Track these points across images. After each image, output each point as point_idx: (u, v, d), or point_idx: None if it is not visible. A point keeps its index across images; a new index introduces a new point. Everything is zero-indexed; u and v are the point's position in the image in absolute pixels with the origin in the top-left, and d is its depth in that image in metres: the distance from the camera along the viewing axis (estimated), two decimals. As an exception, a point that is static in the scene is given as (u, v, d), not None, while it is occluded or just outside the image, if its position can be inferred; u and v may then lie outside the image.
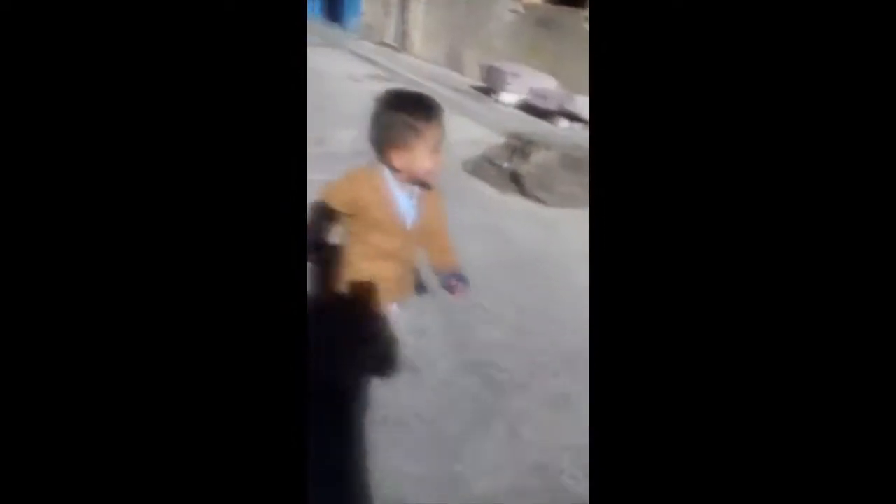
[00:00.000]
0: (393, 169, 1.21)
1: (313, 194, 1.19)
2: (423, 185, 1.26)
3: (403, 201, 1.25)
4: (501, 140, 3.73)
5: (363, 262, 1.29)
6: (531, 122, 4.71)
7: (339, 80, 5.96)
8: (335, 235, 1.32)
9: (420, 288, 1.51)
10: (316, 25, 11.16)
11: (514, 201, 3.09)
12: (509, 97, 5.26)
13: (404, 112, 1.17)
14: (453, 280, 1.36)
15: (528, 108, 5.04)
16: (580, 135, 4.18)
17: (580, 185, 3.00)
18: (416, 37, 8.78)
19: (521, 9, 6.33)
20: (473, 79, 6.40)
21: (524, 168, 3.17)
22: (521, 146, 3.36)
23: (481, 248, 2.34)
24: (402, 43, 9.09)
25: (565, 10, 5.74)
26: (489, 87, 5.60)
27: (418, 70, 6.93)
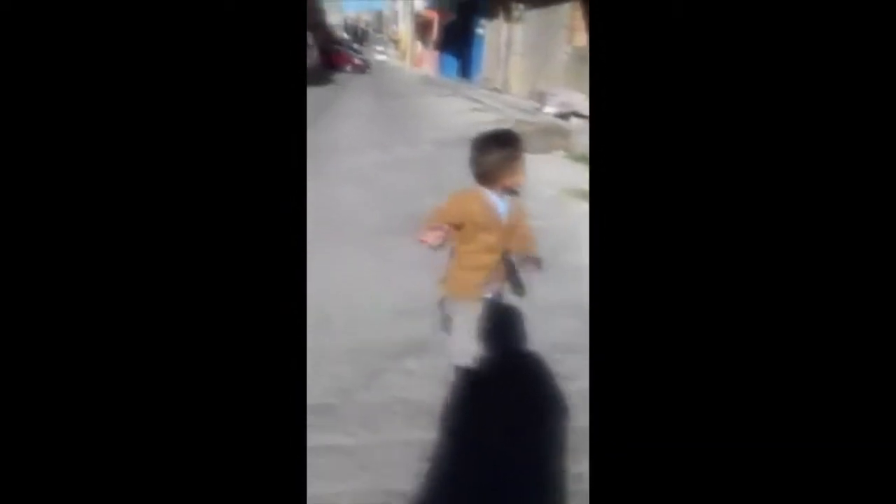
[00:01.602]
0: (488, 187, 1.57)
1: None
2: (511, 192, 1.61)
3: (501, 206, 1.60)
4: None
5: (473, 256, 1.64)
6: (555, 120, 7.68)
7: (454, 114, 9.50)
8: (448, 242, 1.60)
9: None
10: (450, 82, 15.42)
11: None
12: (549, 108, 8.28)
13: (494, 149, 1.53)
14: (529, 263, 1.70)
15: (559, 114, 8.00)
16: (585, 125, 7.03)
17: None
18: (513, 81, 12.23)
19: (570, 50, 9.35)
20: (534, 101, 9.54)
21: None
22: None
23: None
24: (504, 86, 12.61)
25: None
26: (538, 105, 8.70)
27: (505, 101, 10.27)
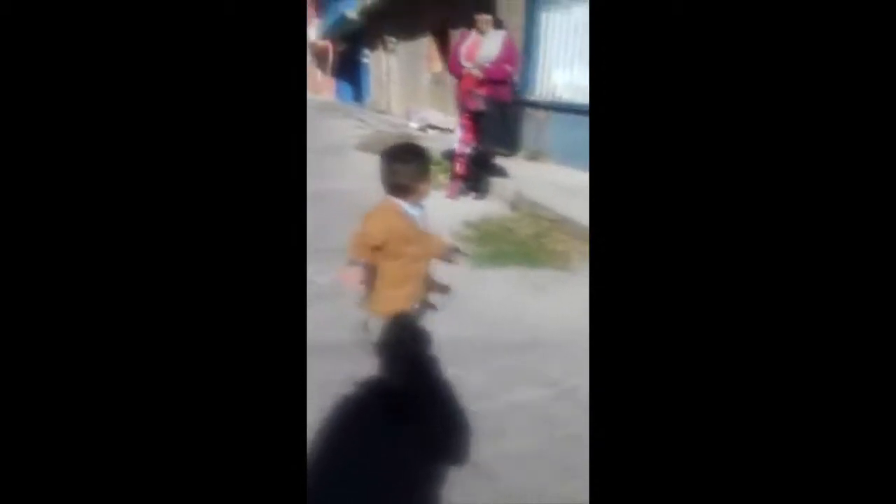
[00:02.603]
0: (401, 199, 1.62)
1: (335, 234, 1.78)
2: (419, 205, 1.67)
3: (415, 213, 1.65)
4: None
5: (400, 269, 1.65)
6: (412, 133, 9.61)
7: (342, 131, 11.21)
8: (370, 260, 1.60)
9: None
10: (345, 106, 17.25)
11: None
12: (413, 123, 10.23)
13: (401, 160, 1.60)
14: (452, 254, 1.84)
15: (420, 127, 9.96)
16: (441, 136, 8.98)
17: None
18: (394, 103, 14.21)
19: (429, 76, 11.41)
20: (404, 118, 11.49)
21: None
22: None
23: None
24: (387, 107, 14.55)
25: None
26: (407, 120, 10.64)
27: (383, 119, 12.14)
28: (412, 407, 1.88)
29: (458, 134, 5.19)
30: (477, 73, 4.70)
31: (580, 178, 5.30)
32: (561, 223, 4.16)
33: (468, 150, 5.13)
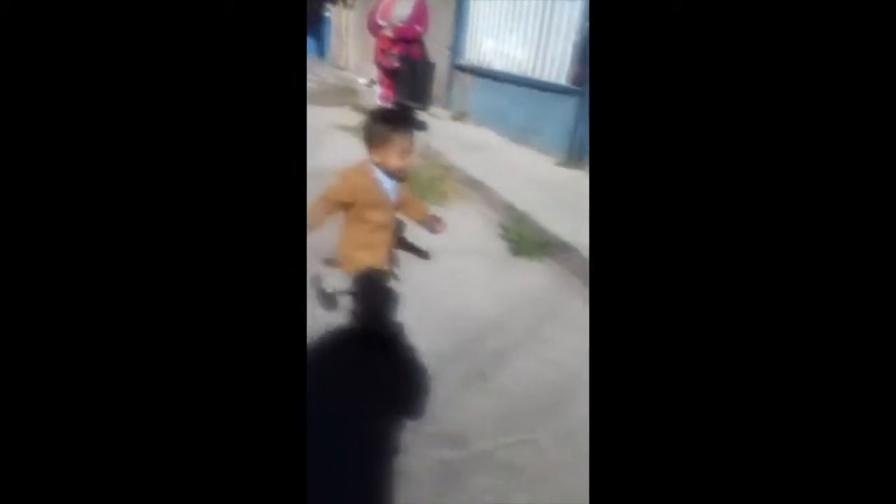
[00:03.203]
0: (376, 164, 1.67)
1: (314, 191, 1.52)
2: (398, 178, 1.74)
3: (388, 185, 1.71)
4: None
5: (365, 234, 1.73)
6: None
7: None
8: (336, 219, 1.66)
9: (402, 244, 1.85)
10: (309, 61, 17.47)
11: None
12: (361, 79, 10.65)
13: (380, 123, 1.66)
14: (433, 222, 1.95)
15: (367, 83, 10.39)
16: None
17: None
18: (351, 58, 14.49)
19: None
20: (354, 73, 11.84)
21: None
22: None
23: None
24: (345, 63, 14.82)
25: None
26: (356, 76, 11.04)
27: (338, 75, 12.48)
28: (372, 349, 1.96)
29: (378, 90, 5.77)
30: (388, 32, 5.25)
31: (488, 137, 6.00)
32: (454, 171, 4.86)
33: (389, 105, 5.72)
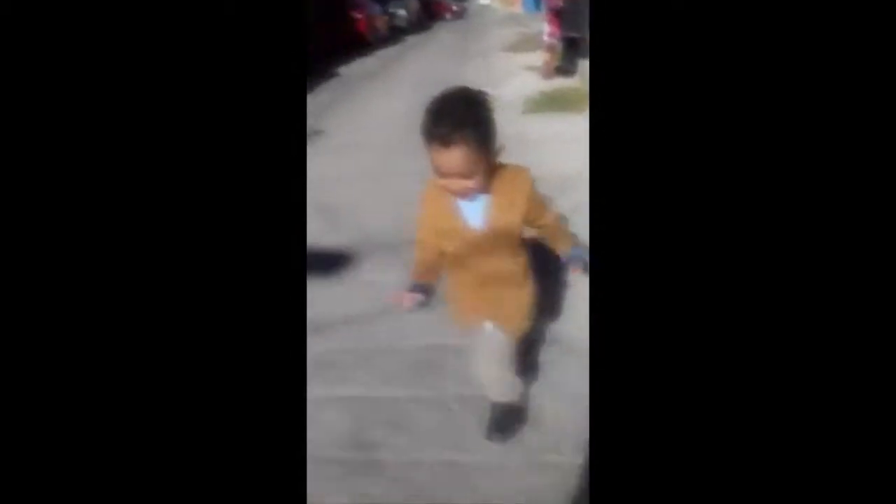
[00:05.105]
0: (448, 188, 1.09)
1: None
2: (476, 195, 1.12)
3: (469, 210, 1.13)
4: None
5: (475, 286, 1.23)
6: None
7: (498, 38, 13.03)
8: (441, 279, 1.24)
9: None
10: (528, 15, 18.80)
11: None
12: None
13: (441, 141, 1.02)
14: (571, 264, 1.27)
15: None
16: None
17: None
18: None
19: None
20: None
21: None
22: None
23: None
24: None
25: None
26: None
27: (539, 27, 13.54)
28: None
29: (546, 29, 6.95)
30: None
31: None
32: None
33: (554, 41, 6.87)
